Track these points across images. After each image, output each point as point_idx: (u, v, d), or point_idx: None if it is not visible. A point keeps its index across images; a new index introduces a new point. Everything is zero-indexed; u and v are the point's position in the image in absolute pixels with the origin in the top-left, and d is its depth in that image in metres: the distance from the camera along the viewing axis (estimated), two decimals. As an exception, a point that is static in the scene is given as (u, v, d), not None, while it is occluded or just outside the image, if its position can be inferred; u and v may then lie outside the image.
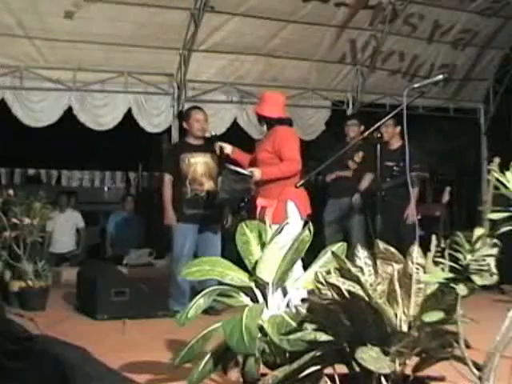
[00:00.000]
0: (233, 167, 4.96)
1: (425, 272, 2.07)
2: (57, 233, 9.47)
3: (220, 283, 2.79)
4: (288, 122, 5.12)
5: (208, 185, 5.93)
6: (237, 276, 2.71)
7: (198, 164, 5.98)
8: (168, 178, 6.05)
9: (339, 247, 2.70)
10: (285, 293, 2.78)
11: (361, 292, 2.06)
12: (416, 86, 4.70)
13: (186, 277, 2.79)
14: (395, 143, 6.85)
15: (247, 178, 4.90)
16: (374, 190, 6.24)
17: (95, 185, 13.41)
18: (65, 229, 9.64)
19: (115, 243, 10.12)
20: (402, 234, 6.34)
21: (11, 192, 6.25)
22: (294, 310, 2.53)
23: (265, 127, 5.11)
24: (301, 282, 2.78)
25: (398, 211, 6.53)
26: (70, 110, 8.22)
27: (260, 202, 4.93)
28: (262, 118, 5.11)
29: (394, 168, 6.42)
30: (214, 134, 5.93)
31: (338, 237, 6.61)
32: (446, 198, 7.75)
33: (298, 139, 5.11)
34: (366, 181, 6.90)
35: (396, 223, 6.47)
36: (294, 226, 4.27)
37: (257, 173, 4.85)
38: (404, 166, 6.36)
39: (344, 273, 2.16)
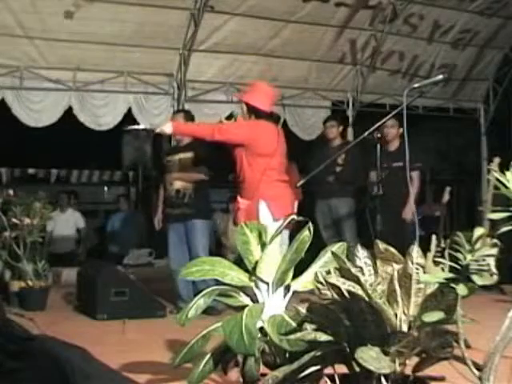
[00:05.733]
0: (130, 127, 4.87)
1: (425, 272, 2.07)
2: (57, 233, 9.47)
3: (219, 283, 2.79)
4: (276, 118, 5.03)
5: (178, 184, 6.00)
6: (237, 276, 2.71)
7: (174, 165, 6.11)
8: (161, 183, 6.26)
9: (339, 247, 2.70)
10: (285, 293, 2.77)
11: (361, 292, 2.06)
12: (416, 86, 4.71)
13: (185, 277, 2.78)
14: (394, 144, 6.86)
15: (148, 131, 4.82)
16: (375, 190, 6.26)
17: (95, 184, 13.41)
18: (65, 229, 9.63)
19: (115, 243, 10.13)
20: (401, 233, 6.34)
21: (11, 192, 6.25)
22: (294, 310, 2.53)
23: (252, 118, 5.01)
24: (300, 282, 2.78)
25: (397, 210, 6.54)
26: (70, 109, 8.23)
27: (239, 201, 4.91)
28: (251, 109, 5.00)
29: (391, 166, 6.42)
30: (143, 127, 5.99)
31: (336, 238, 6.62)
32: (446, 197, 7.75)
33: (277, 138, 5.01)
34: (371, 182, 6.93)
35: (395, 222, 6.47)
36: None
37: (167, 127, 4.79)
38: (400, 166, 6.42)
39: (344, 273, 2.16)
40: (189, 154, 6.04)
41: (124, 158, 5.43)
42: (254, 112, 4.96)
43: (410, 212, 6.58)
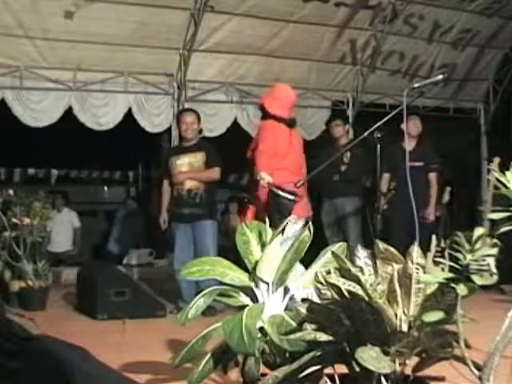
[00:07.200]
0: (282, 194, 4.72)
1: (425, 272, 2.07)
2: (54, 232, 9.44)
3: (220, 283, 2.79)
4: (284, 120, 5.00)
5: (190, 184, 5.98)
6: (237, 276, 2.71)
7: (183, 165, 6.10)
8: (165, 183, 6.22)
9: (339, 247, 2.70)
10: (285, 292, 2.77)
11: (361, 292, 2.06)
12: (416, 85, 4.71)
13: (185, 276, 2.78)
14: (411, 143, 6.85)
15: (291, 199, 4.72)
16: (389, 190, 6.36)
17: (95, 184, 13.41)
18: (61, 228, 9.59)
19: (115, 243, 10.13)
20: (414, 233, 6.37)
21: (11, 192, 6.26)
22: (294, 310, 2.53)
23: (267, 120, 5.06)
24: (301, 282, 2.78)
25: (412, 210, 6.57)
26: (70, 109, 8.23)
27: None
28: (265, 113, 5.07)
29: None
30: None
31: (339, 237, 6.62)
32: (446, 198, 7.77)
33: (282, 134, 5.00)
34: (385, 181, 6.96)
35: (409, 222, 6.48)
36: None
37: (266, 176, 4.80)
38: (417, 166, 6.50)
39: (344, 273, 2.16)
40: (199, 155, 6.05)
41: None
42: (268, 115, 5.00)
43: (432, 213, 6.73)
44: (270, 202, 4.80)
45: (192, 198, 5.94)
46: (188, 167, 6.06)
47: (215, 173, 5.97)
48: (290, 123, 5.12)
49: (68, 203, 9.88)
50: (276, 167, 4.88)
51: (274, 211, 4.65)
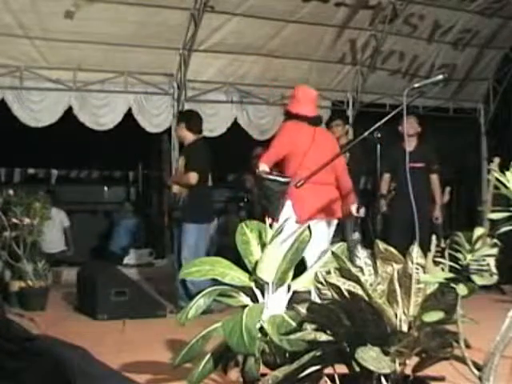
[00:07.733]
0: (271, 177, 4.74)
1: (425, 272, 2.07)
2: (45, 233, 9.34)
3: (219, 283, 2.79)
4: (306, 119, 4.98)
5: (175, 188, 6.13)
6: (237, 276, 2.71)
7: (177, 168, 6.43)
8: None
9: (339, 247, 2.70)
10: (286, 292, 2.77)
11: (361, 292, 2.06)
12: (416, 85, 4.69)
13: (185, 277, 2.79)
14: (411, 143, 6.85)
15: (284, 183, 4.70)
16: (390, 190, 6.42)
17: (95, 184, 13.38)
18: (51, 228, 9.50)
19: (115, 243, 10.12)
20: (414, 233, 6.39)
21: (11, 192, 6.26)
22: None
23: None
24: (301, 282, 2.78)
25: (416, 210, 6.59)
26: (70, 109, 8.23)
27: None
28: (285, 113, 5.13)
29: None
30: None
31: (339, 237, 6.63)
32: (445, 198, 7.77)
33: (303, 133, 4.99)
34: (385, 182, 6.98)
35: (409, 223, 6.49)
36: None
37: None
38: (420, 166, 6.53)
39: (344, 273, 2.16)
40: (181, 159, 6.23)
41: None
42: (290, 116, 5.02)
43: (441, 215, 6.92)
44: (260, 188, 4.80)
45: (176, 201, 6.09)
46: (177, 172, 6.37)
47: (190, 178, 6.01)
48: (314, 121, 5.07)
49: (56, 203, 9.78)
50: (296, 167, 4.81)
51: (262, 196, 4.66)
